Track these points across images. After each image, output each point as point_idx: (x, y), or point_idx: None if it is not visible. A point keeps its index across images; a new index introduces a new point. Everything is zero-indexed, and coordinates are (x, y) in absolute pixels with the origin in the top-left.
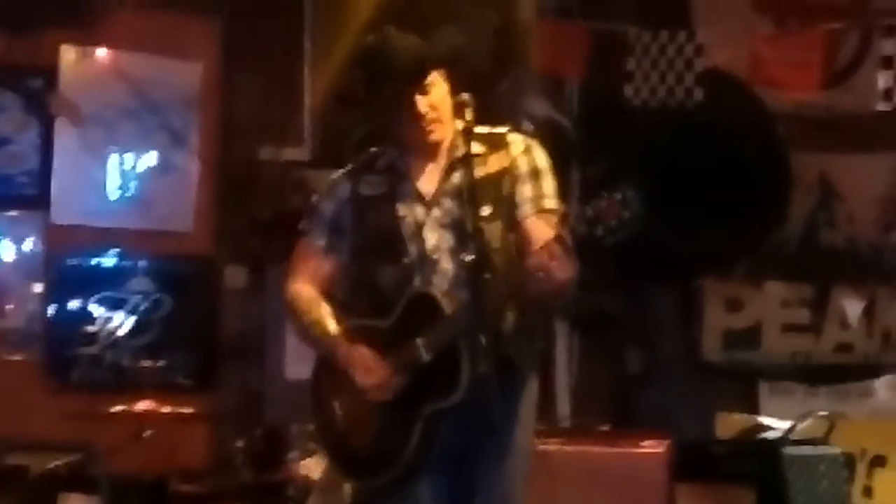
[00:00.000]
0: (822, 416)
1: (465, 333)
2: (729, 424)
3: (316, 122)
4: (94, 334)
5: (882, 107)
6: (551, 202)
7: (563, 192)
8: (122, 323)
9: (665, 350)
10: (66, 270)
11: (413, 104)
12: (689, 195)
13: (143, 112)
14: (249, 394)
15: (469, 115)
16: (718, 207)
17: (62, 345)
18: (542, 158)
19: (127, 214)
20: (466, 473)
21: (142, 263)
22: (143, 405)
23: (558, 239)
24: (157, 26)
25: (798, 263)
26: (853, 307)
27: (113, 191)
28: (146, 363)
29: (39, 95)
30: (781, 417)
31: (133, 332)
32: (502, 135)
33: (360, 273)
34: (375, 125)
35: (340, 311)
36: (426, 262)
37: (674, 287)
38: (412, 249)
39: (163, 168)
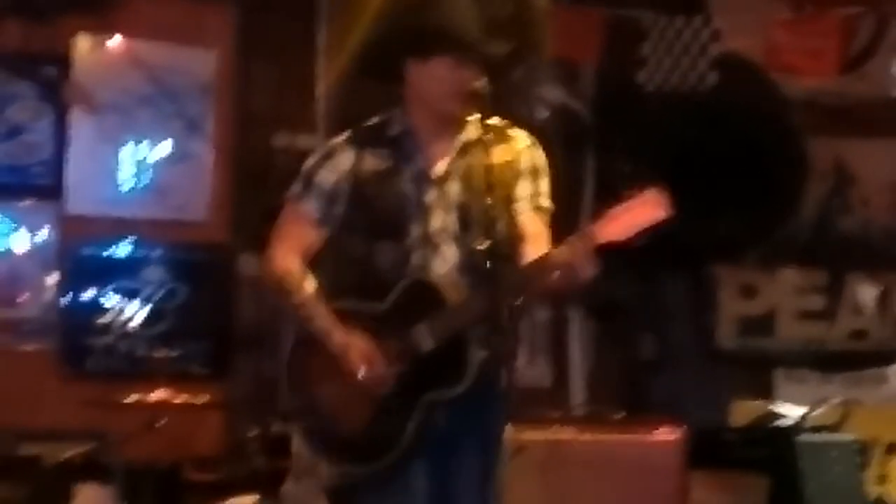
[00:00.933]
0: (837, 404)
1: (475, 323)
2: (743, 411)
3: (330, 109)
4: (108, 324)
5: None
6: (546, 201)
7: (578, 179)
8: (137, 312)
9: (679, 337)
10: (80, 260)
11: (456, 75)
12: (703, 181)
13: (158, 100)
14: (263, 382)
15: (484, 100)
16: (733, 194)
17: (77, 334)
18: (541, 157)
19: (141, 203)
20: (446, 460)
21: (156, 252)
22: (157, 394)
23: (586, 236)
24: (171, 14)
25: (812, 250)
26: (867, 294)
27: (127, 180)
28: (160, 352)
29: (54, 84)
30: (795, 404)
31: (147, 321)
32: (505, 128)
33: (355, 250)
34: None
35: (329, 290)
36: (428, 245)
37: (688, 274)
38: (414, 230)
39: (178, 156)
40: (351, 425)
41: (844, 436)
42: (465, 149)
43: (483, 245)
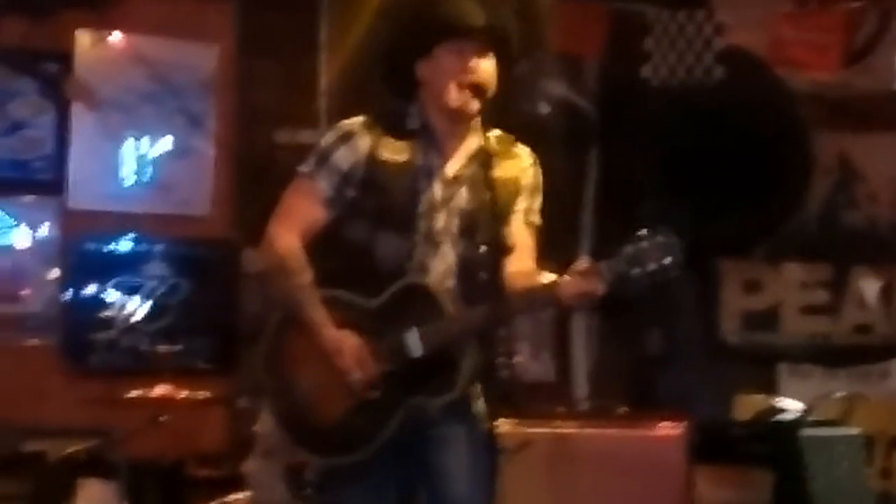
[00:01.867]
0: (841, 398)
1: (468, 337)
2: (747, 406)
3: (332, 104)
4: (110, 319)
5: None
6: (537, 218)
7: (582, 174)
8: (139, 307)
9: (683, 332)
10: (82, 255)
11: (461, 61)
12: (707, 176)
13: (159, 95)
14: None
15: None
16: (737, 188)
17: (79, 330)
18: (540, 176)
19: (144, 199)
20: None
21: (159, 248)
22: (160, 390)
23: (594, 267)
24: (173, 9)
25: (817, 244)
26: (872, 288)
27: (129, 175)
28: (163, 348)
29: (55, 80)
30: (800, 399)
31: (150, 316)
32: (512, 143)
33: (357, 237)
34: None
35: (321, 276)
36: (430, 242)
37: (692, 268)
38: (421, 226)
39: (180, 152)
40: (326, 415)
41: (850, 430)
42: (477, 156)
43: (483, 250)
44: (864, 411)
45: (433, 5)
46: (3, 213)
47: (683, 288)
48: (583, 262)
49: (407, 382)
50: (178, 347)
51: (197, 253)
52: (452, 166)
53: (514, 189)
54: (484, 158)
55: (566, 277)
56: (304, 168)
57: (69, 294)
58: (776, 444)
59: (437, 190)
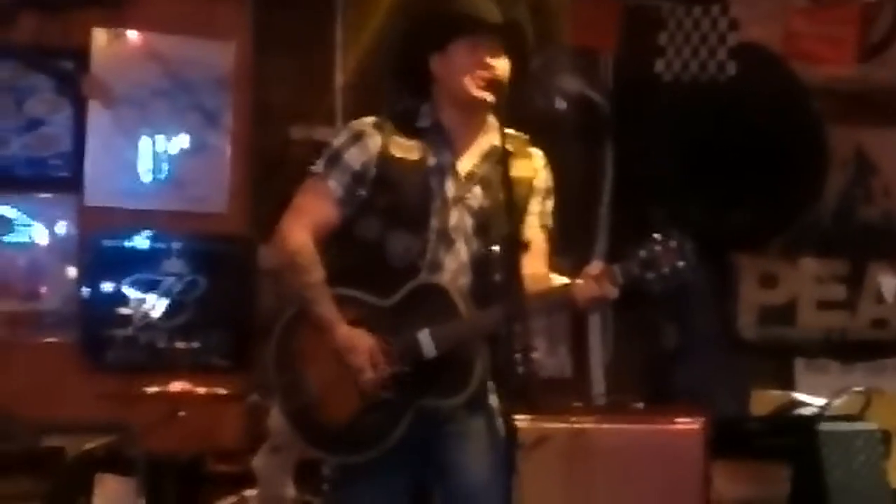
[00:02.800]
0: (858, 392)
1: (481, 338)
2: (764, 401)
3: (348, 101)
4: (128, 316)
5: None
6: (551, 221)
7: (597, 168)
8: (157, 304)
9: (700, 327)
10: (99, 252)
11: (475, 56)
12: (723, 170)
13: (175, 92)
14: None
15: (505, 89)
16: (753, 183)
17: (97, 327)
18: (551, 177)
19: (160, 196)
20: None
21: (175, 245)
22: (178, 386)
23: (608, 270)
24: (188, 6)
25: (833, 239)
26: (889, 282)
27: (146, 172)
28: (181, 344)
29: (72, 77)
30: (817, 394)
31: (167, 313)
32: (526, 143)
33: (369, 235)
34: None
35: (333, 274)
36: (443, 240)
37: (709, 263)
38: (434, 224)
39: (196, 149)
40: (336, 413)
41: (867, 424)
42: (490, 154)
43: (497, 248)
44: (880, 406)
45: (449, 6)
46: (21, 211)
47: (700, 283)
48: (596, 266)
49: (419, 383)
50: (195, 344)
51: (213, 249)
52: (465, 164)
53: (528, 189)
54: (497, 156)
55: (579, 281)
56: (315, 168)
57: (87, 291)
58: (793, 439)
59: (450, 187)
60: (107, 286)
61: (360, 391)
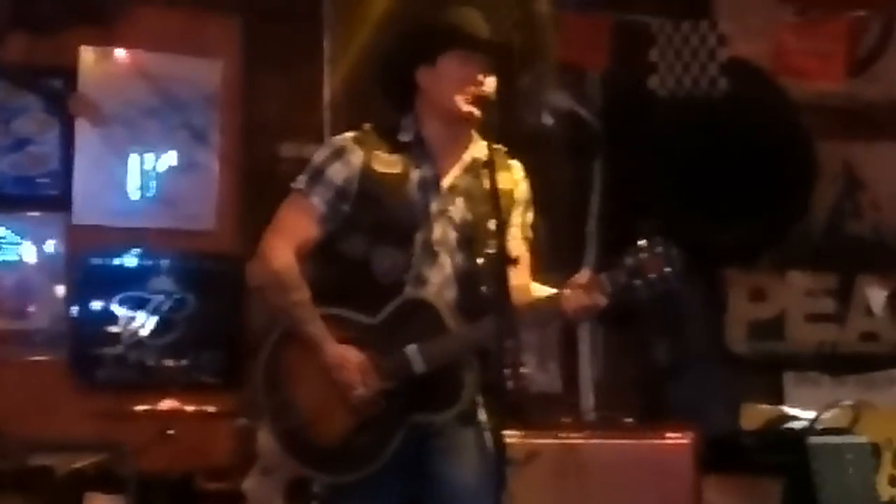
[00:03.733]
0: (848, 406)
1: (469, 353)
2: (754, 415)
3: (336, 118)
4: (117, 334)
5: None
6: (531, 232)
7: (587, 185)
8: (146, 322)
9: (690, 341)
10: (88, 271)
11: (465, 71)
12: (712, 186)
13: (163, 111)
14: None
15: (493, 106)
16: (742, 198)
17: (86, 345)
18: (529, 189)
19: (149, 214)
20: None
21: (164, 263)
22: (168, 404)
23: (596, 279)
24: (176, 25)
25: (822, 253)
26: (878, 296)
27: (134, 190)
28: (170, 362)
29: (60, 96)
30: (807, 407)
31: (157, 331)
32: (504, 155)
33: (353, 252)
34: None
35: (318, 293)
36: (427, 254)
37: (698, 278)
38: (418, 238)
39: (184, 166)
40: (328, 433)
41: (857, 438)
42: (472, 166)
43: (482, 261)
44: (870, 419)
45: (442, 12)
46: (9, 230)
47: (689, 297)
48: (584, 275)
49: (409, 399)
50: (184, 362)
51: (203, 267)
52: (448, 177)
53: (509, 201)
54: (479, 169)
55: (568, 291)
56: (297, 185)
57: (76, 309)
58: (784, 453)
59: (433, 201)
60: (96, 304)
61: (352, 408)
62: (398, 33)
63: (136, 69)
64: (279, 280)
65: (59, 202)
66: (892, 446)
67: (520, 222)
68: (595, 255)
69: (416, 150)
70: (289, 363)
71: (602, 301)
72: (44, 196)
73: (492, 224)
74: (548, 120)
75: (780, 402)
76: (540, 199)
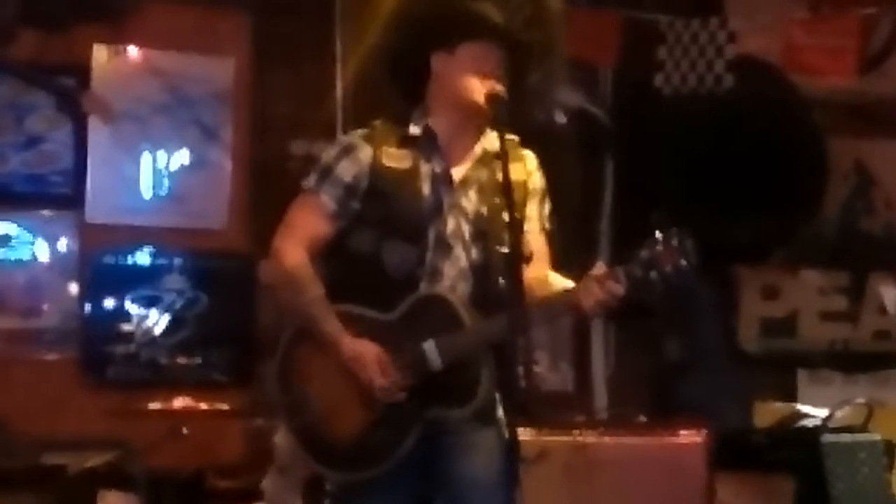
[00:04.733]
0: (861, 404)
1: (486, 347)
2: (767, 413)
3: (348, 115)
4: (129, 332)
5: None
6: (549, 223)
7: (598, 182)
8: (158, 321)
9: (702, 339)
10: (100, 269)
11: (482, 64)
12: (723, 183)
13: (175, 108)
14: None
15: (504, 104)
16: (753, 195)
17: (98, 343)
18: (544, 179)
19: (161, 212)
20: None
21: (176, 261)
22: (179, 402)
23: (611, 272)
24: (187, 22)
25: (835, 251)
26: (891, 294)
27: (146, 188)
28: (182, 360)
29: (72, 94)
30: (820, 405)
31: (169, 329)
32: (517, 145)
33: (365, 248)
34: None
35: (332, 291)
36: (441, 247)
37: (710, 276)
38: (430, 232)
39: (196, 164)
40: (344, 430)
41: (871, 436)
42: (484, 158)
43: (497, 253)
44: (883, 417)
45: (459, 4)
46: (22, 228)
47: (701, 296)
48: (599, 268)
49: (426, 395)
50: (196, 360)
51: (214, 265)
52: (459, 170)
53: (523, 192)
54: (491, 161)
55: (584, 284)
56: (307, 183)
57: (88, 308)
58: (797, 451)
59: (444, 194)
60: (108, 302)
61: (368, 405)
62: (417, 15)
63: (147, 67)
64: (292, 279)
65: (72, 200)
66: None
67: (536, 214)
68: (607, 255)
69: (426, 144)
70: (303, 361)
71: (619, 295)
72: (56, 194)
73: (505, 216)
74: (559, 117)
75: (793, 400)
76: (551, 197)
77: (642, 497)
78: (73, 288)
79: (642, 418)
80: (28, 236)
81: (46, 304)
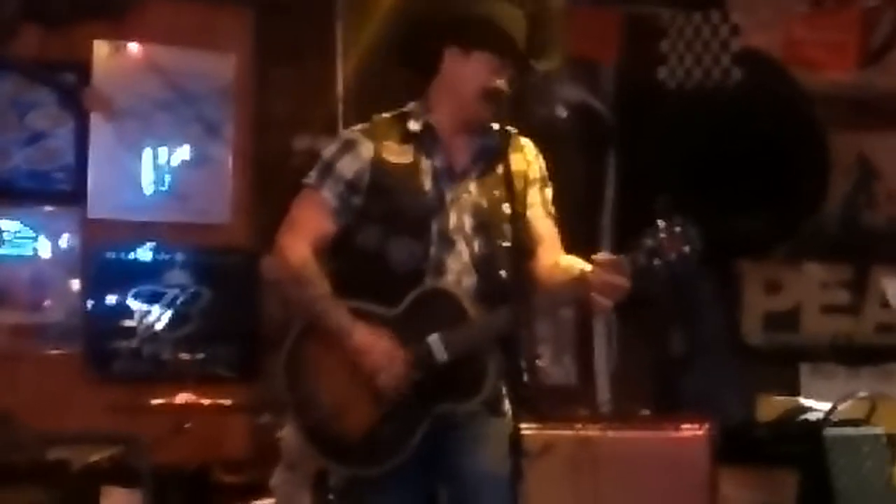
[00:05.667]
0: (864, 397)
1: (493, 340)
2: (770, 407)
3: (349, 110)
4: (132, 328)
5: None
6: (553, 208)
7: (600, 177)
8: (161, 316)
9: (705, 333)
10: (103, 265)
11: (493, 76)
12: (725, 177)
13: (177, 104)
14: None
15: (506, 102)
16: (756, 189)
17: (101, 339)
18: (544, 166)
19: (163, 207)
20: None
21: (179, 256)
22: (183, 397)
23: (617, 260)
24: (189, 19)
25: (837, 244)
26: (893, 287)
27: (148, 184)
28: (185, 355)
29: (74, 90)
30: (823, 399)
31: (171, 324)
32: (516, 136)
33: (368, 243)
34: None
35: (337, 287)
36: (444, 242)
37: (713, 270)
38: (433, 226)
39: (198, 160)
40: (353, 426)
41: (873, 429)
42: (485, 151)
43: (500, 246)
44: (886, 410)
45: (482, 5)
46: (24, 224)
47: (704, 289)
48: (604, 255)
49: (433, 389)
50: (200, 355)
51: (217, 261)
52: (459, 164)
53: (524, 182)
54: (492, 153)
55: (590, 269)
56: (308, 180)
57: (91, 303)
58: (800, 445)
59: (446, 189)
60: (111, 298)
61: (377, 399)
62: (433, 7)
63: (149, 63)
64: (298, 275)
65: (74, 196)
66: None
67: (539, 200)
68: (609, 248)
69: (427, 140)
70: (312, 358)
71: (625, 282)
72: (58, 190)
73: (507, 208)
74: (561, 112)
75: (796, 393)
76: (553, 192)
77: (645, 490)
78: (76, 284)
79: (645, 412)
80: (31, 232)
81: (49, 300)
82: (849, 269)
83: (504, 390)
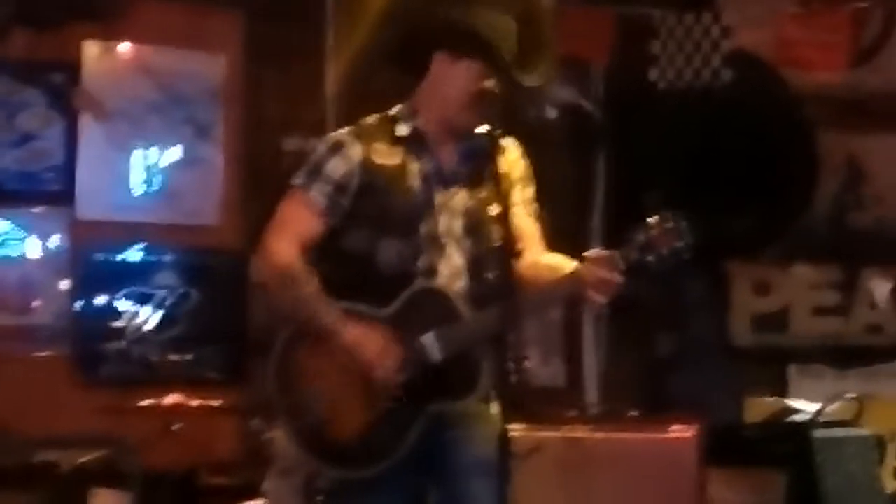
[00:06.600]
0: (852, 398)
1: (486, 339)
2: (758, 408)
3: (340, 111)
4: (121, 329)
5: None
6: (535, 206)
7: (590, 178)
8: (150, 317)
9: (693, 335)
10: (92, 266)
11: (481, 86)
12: (714, 178)
13: (167, 105)
14: None
15: (495, 106)
16: (745, 190)
17: (90, 340)
18: (528, 166)
19: (152, 208)
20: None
21: (168, 257)
22: (172, 399)
23: (609, 255)
24: (179, 20)
25: (826, 245)
26: (882, 288)
27: (138, 185)
28: (174, 357)
29: (63, 91)
30: (811, 400)
31: (161, 326)
32: (499, 136)
33: (357, 246)
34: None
35: (326, 289)
36: (434, 245)
37: (702, 271)
38: (422, 229)
39: (188, 161)
40: (346, 428)
41: (861, 430)
42: (473, 154)
43: (490, 248)
44: (875, 412)
45: (475, 12)
46: (13, 225)
47: (693, 290)
48: (596, 251)
49: (427, 388)
50: (188, 357)
51: (206, 262)
52: (448, 167)
53: (510, 183)
54: (478, 156)
55: (583, 265)
56: (296, 181)
57: (80, 305)
58: (788, 446)
59: (435, 192)
60: (99, 299)
61: (369, 399)
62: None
63: (139, 64)
64: (286, 276)
65: (63, 197)
66: None
67: (521, 199)
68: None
69: (414, 143)
70: (302, 361)
71: (617, 278)
72: (47, 191)
73: (493, 210)
74: (551, 113)
75: (785, 394)
76: (543, 193)
77: (634, 491)
78: (65, 285)
79: (634, 413)
80: (19, 233)
81: (38, 302)
82: (838, 271)
83: (492, 392)
